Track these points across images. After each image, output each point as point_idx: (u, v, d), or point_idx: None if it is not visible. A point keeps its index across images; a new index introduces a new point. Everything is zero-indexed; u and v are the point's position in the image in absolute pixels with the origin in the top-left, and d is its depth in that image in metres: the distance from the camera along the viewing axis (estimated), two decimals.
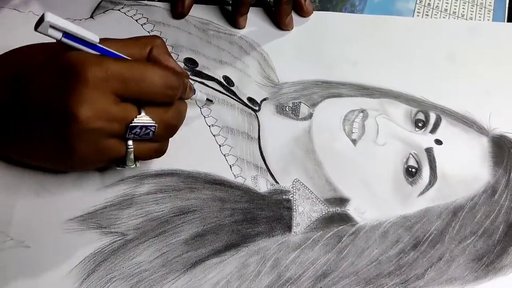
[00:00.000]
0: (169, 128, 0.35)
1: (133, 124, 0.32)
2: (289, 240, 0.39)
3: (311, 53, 0.49)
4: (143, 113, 0.32)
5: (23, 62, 0.35)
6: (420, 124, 0.46)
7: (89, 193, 0.39)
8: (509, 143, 0.46)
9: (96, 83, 0.30)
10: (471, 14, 0.54)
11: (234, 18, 0.50)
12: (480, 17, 0.54)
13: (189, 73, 0.46)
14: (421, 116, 0.46)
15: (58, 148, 0.33)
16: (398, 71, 0.49)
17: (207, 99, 0.43)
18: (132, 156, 0.34)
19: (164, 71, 0.33)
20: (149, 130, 0.33)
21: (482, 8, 0.54)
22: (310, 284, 0.38)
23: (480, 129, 0.46)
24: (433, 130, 0.46)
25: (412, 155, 0.44)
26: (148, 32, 0.49)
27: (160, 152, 0.37)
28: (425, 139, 0.45)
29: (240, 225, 0.39)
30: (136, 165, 0.34)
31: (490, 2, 0.54)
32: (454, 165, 0.44)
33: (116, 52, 0.33)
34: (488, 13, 0.54)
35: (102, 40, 0.33)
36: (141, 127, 0.32)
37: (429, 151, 0.44)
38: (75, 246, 0.37)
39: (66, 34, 0.30)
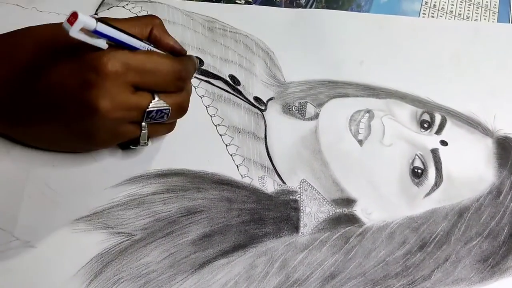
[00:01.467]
0: (181, 110, 0.38)
1: (149, 110, 0.35)
2: (296, 241, 0.39)
3: (318, 52, 0.49)
4: (157, 98, 0.35)
5: (37, 46, 0.35)
6: (425, 125, 0.46)
7: (95, 193, 0.39)
8: None
9: (116, 77, 0.32)
10: (476, 16, 0.54)
11: None
12: (485, 19, 0.54)
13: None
14: (426, 117, 0.46)
15: (77, 135, 0.36)
16: (404, 71, 0.49)
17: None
18: (146, 136, 0.37)
19: (176, 63, 0.36)
20: (164, 113, 0.36)
21: (487, 10, 0.54)
22: (318, 285, 0.38)
23: (485, 131, 0.46)
24: (438, 131, 0.46)
25: (418, 156, 0.44)
26: None
27: (170, 130, 0.40)
28: (430, 140, 0.45)
29: (248, 225, 0.39)
30: (147, 143, 0.38)
31: (495, 4, 0.55)
32: (460, 166, 0.44)
33: (131, 42, 0.34)
34: (493, 15, 0.54)
35: (104, 19, 0.34)
36: (157, 111, 0.35)
37: (434, 152, 0.44)
38: (82, 246, 0.37)
39: (96, 32, 0.31)
